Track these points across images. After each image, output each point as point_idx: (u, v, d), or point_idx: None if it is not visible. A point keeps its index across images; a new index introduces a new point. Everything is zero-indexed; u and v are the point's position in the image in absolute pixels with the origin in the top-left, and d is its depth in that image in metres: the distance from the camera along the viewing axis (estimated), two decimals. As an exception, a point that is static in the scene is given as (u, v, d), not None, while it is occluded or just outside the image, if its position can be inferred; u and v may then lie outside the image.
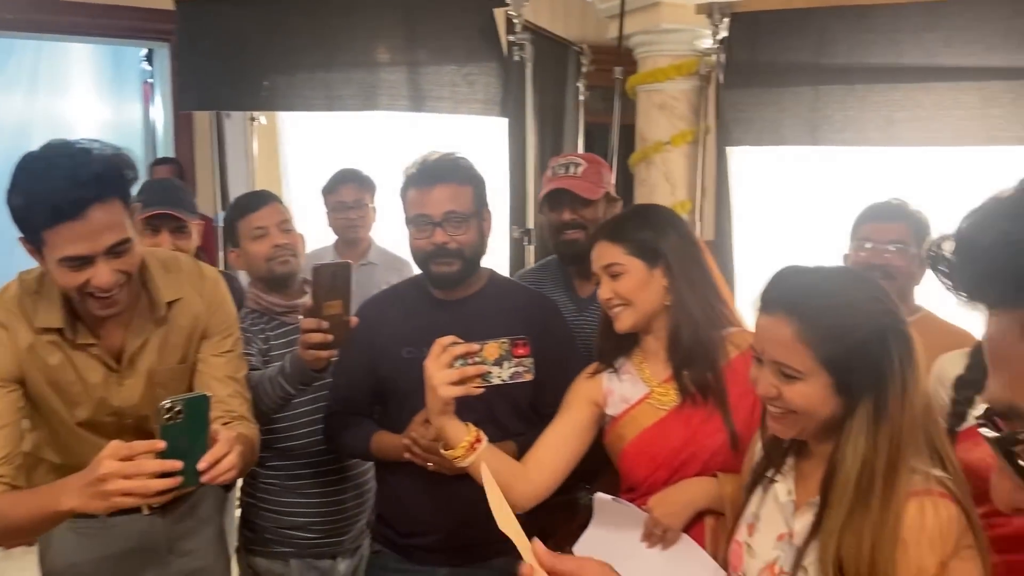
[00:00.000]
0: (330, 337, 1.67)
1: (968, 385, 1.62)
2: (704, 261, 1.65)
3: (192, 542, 1.80)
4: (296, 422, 2.01)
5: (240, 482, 2.06)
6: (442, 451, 1.49)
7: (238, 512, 2.15)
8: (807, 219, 3.38)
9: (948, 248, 0.57)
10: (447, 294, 1.84)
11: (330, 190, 3.01)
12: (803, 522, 1.23)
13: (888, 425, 1.13)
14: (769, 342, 1.18)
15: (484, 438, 1.49)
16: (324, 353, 1.69)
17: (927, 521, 1.11)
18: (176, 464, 1.24)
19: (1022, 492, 0.54)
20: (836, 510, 1.15)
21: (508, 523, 0.93)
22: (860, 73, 2.92)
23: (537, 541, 0.88)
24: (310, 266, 1.75)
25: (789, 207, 3.47)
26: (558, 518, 1.93)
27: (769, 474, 1.31)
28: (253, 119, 3.75)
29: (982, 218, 0.56)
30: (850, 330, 1.14)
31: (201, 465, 1.27)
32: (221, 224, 4.19)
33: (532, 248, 3.25)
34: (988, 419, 0.57)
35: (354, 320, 1.70)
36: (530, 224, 3.25)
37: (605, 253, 1.62)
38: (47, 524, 1.39)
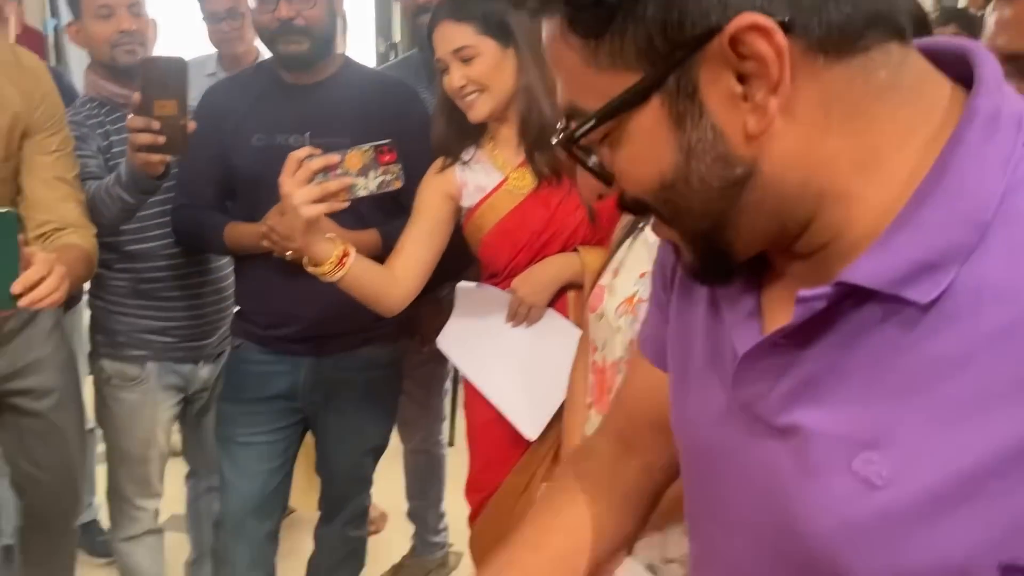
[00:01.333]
0: (161, 139, 1.51)
1: None
2: None
3: (24, 333, 1.71)
4: (146, 223, 1.88)
5: (87, 284, 1.94)
6: (309, 268, 1.41)
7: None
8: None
9: None
10: (297, 78, 1.74)
11: None
12: None
13: None
14: None
15: (352, 251, 1.42)
16: (155, 157, 1.54)
17: None
18: None
19: (596, 180, 0.56)
20: None
21: None
22: None
23: None
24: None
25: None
26: (423, 315, 1.95)
27: (641, 225, 1.30)
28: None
29: None
30: None
31: (16, 288, 1.18)
32: (51, 33, 3.74)
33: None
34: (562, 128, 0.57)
35: (192, 125, 1.55)
36: (396, 36, 3.10)
37: (452, 35, 1.51)
38: None
